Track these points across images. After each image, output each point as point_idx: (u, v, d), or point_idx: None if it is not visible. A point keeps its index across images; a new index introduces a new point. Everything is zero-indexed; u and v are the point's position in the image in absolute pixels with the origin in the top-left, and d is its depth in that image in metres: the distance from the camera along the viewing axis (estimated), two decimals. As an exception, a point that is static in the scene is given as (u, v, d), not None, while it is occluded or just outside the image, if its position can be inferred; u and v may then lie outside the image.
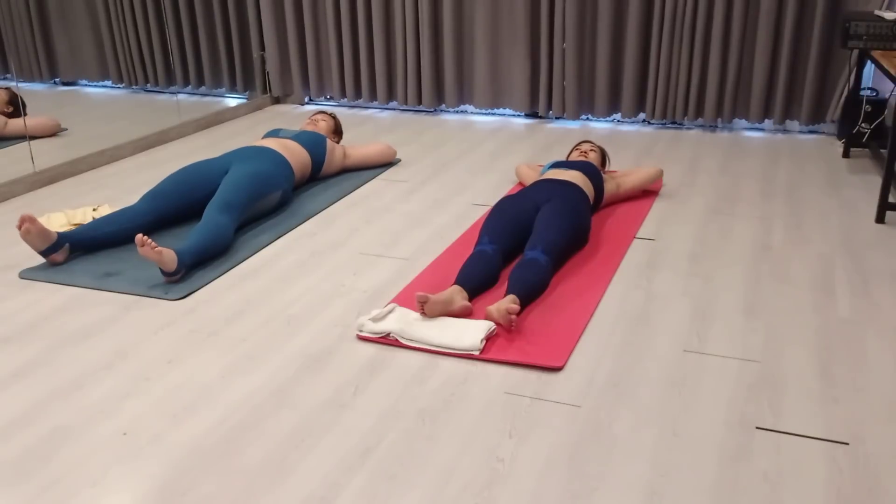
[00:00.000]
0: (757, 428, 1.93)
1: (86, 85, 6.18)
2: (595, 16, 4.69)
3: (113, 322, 2.52)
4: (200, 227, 2.95)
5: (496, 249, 2.73)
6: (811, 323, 2.43)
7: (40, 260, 2.99)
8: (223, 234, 2.99)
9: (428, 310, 2.40)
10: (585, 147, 3.57)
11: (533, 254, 2.66)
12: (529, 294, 2.53)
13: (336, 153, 3.86)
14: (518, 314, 2.46)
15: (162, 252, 2.69)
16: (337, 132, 4.08)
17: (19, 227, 2.83)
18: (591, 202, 3.20)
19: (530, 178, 3.58)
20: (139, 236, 2.64)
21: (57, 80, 6.19)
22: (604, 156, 3.60)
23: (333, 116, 4.10)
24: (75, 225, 3.30)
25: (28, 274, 2.87)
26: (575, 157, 3.51)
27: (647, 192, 3.59)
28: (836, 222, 3.23)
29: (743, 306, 2.54)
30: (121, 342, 2.40)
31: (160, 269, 2.75)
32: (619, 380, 2.14)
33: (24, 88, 5.67)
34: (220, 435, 1.94)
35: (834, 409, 2.00)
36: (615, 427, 1.94)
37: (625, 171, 3.57)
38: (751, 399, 2.05)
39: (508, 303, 2.39)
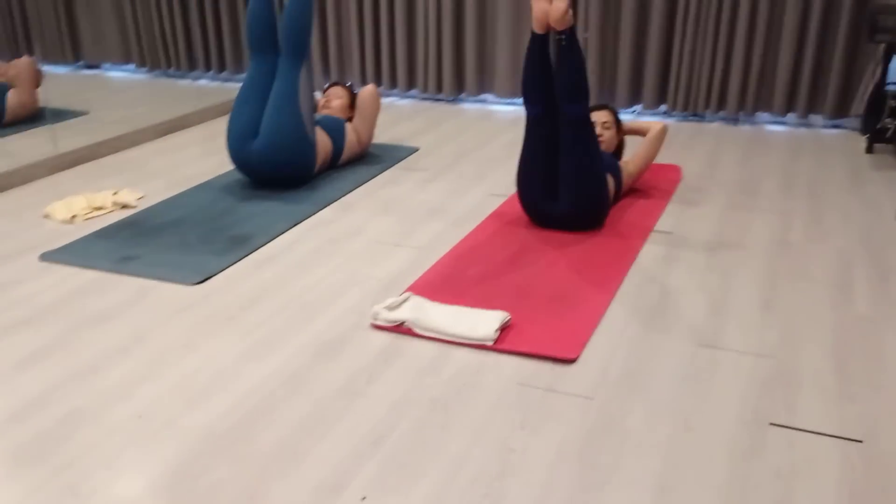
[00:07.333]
0: (771, 424, 1.92)
1: (109, 68, 6.23)
2: (619, 5, 4.65)
3: (130, 306, 2.55)
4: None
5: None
6: (828, 319, 2.41)
7: (60, 242, 3.02)
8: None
9: None
10: (597, 123, 3.34)
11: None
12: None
13: (352, 139, 3.86)
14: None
15: None
16: (352, 105, 4.02)
17: None
18: (612, 195, 3.18)
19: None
20: None
21: (80, 62, 6.25)
22: (617, 122, 3.43)
23: (346, 87, 4.06)
24: (97, 209, 3.34)
25: (48, 256, 2.90)
26: None
27: (665, 186, 3.57)
28: (857, 219, 3.19)
29: (760, 302, 2.52)
30: (138, 326, 2.43)
31: None
32: (633, 373, 2.14)
33: (48, 71, 5.72)
34: (234, 420, 1.96)
35: (849, 406, 1.99)
36: (628, 420, 1.94)
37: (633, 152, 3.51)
38: (765, 395, 2.03)
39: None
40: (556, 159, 2.97)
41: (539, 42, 2.91)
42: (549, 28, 2.86)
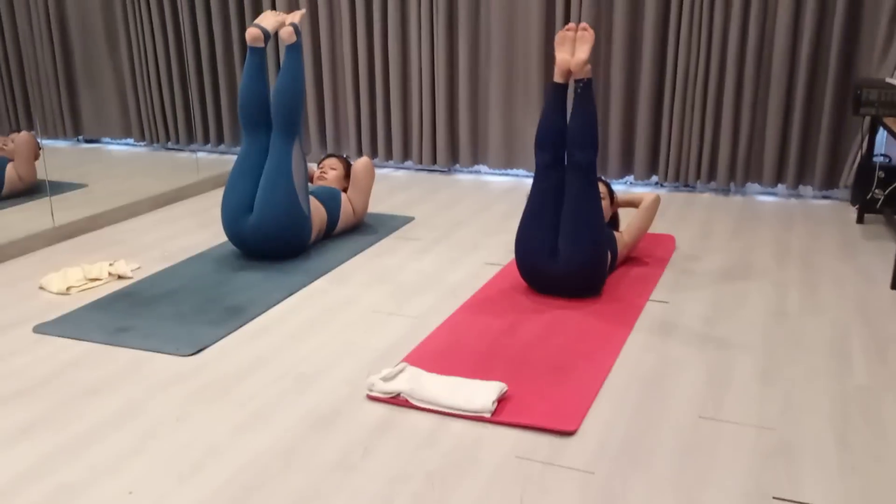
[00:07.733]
0: (774, 498, 1.89)
1: (108, 143, 6.30)
2: (608, 79, 4.76)
3: (123, 378, 2.52)
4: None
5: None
6: (827, 390, 2.40)
7: (55, 314, 3.01)
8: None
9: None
10: None
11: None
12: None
13: (347, 209, 3.89)
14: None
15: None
16: (347, 176, 4.06)
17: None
18: (608, 266, 3.19)
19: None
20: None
21: (80, 137, 6.32)
22: (611, 194, 3.48)
23: (341, 158, 4.11)
24: (92, 280, 3.33)
25: (42, 328, 2.88)
26: None
27: (660, 256, 3.58)
28: (852, 289, 3.21)
29: (759, 372, 2.51)
30: (130, 399, 2.40)
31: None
32: (633, 446, 2.11)
33: (48, 145, 5.79)
34: (227, 496, 1.92)
35: (852, 478, 1.96)
36: (629, 496, 1.91)
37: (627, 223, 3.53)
38: (767, 468, 2.01)
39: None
40: (558, 215, 3.04)
41: (559, 91, 3.09)
42: (568, 77, 3.07)
